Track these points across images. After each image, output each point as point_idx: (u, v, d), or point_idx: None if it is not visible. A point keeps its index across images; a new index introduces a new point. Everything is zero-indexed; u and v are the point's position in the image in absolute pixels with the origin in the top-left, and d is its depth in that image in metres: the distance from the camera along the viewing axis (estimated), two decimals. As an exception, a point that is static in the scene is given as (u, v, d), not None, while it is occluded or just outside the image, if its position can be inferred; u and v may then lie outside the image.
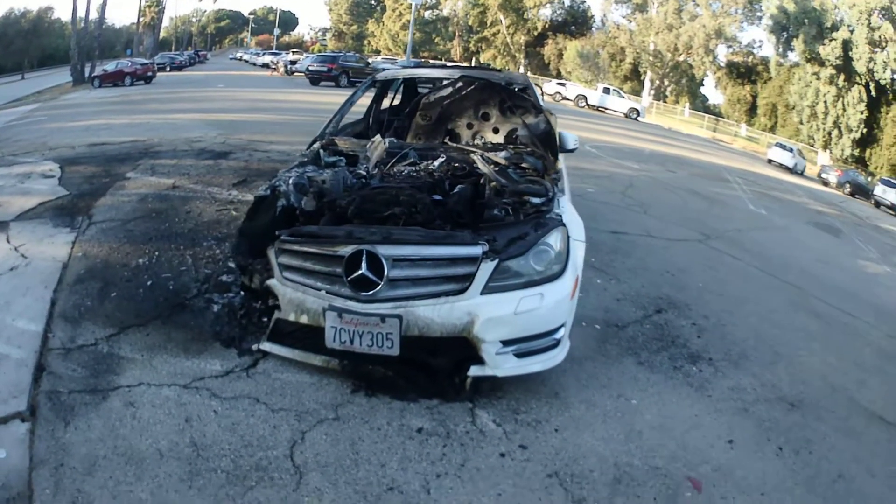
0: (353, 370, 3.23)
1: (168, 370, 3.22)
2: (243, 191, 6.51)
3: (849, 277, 8.40)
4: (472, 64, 51.48)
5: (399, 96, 6.06)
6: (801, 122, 39.84)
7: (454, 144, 4.70)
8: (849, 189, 27.20)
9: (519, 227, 3.32)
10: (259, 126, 11.55)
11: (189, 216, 5.59)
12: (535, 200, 3.61)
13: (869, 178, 31.52)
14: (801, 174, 29.30)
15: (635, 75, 50.17)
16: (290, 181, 3.83)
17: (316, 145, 4.60)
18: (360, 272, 3.06)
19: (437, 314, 3.05)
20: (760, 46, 50.91)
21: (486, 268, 3.06)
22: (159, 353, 3.37)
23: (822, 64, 36.54)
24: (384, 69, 5.65)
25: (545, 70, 51.49)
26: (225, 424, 2.86)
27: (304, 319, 3.20)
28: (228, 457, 2.66)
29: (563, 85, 39.95)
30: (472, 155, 4.36)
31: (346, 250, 3.09)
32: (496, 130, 4.83)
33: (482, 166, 4.09)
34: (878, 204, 25.77)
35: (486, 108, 4.79)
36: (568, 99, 37.58)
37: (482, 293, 3.06)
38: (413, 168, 4.16)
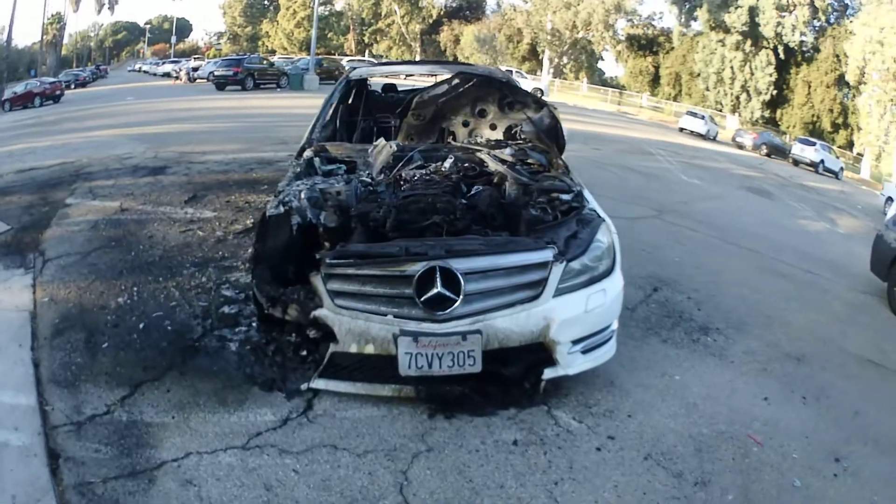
0: (429, 395, 2.82)
1: (214, 431, 2.59)
2: (199, 207, 5.59)
3: (795, 237, 8.64)
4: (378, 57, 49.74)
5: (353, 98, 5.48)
6: (708, 89, 38.81)
7: (458, 144, 4.32)
8: (765, 150, 26.47)
9: (566, 226, 3.07)
10: (184, 137, 10.12)
11: (153, 242, 4.67)
12: (565, 197, 3.38)
13: (784, 138, 31.18)
14: (714, 140, 28.62)
15: (533, 55, 48.82)
16: (303, 196, 3.26)
17: (307, 153, 3.97)
18: (435, 291, 2.65)
19: (515, 323, 2.75)
20: (661, 18, 50.20)
21: (557, 271, 2.81)
22: (193, 411, 2.71)
23: (727, 31, 35.72)
24: (354, 69, 5.03)
25: (441, 56, 50.49)
26: (314, 483, 2.35)
27: (369, 349, 2.73)
28: (339, 521, 2.18)
29: (464, 72, 38.99)
30: (479, 154, 4.02)
31: (416, 269, 2.66)
32: (493, 127, 4.51)
33: (495, 165, 3.78)
34: (796, 162, 25.27)
35: (483, 104, 4.44)
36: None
37: (554, 296, 2.81)
38: (424, 172, 3.73)
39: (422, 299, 2.66)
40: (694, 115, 29.69)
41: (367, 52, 53.97)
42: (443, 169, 3.77)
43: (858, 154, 34.08)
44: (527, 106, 4.22)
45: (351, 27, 56.78)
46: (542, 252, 2.81)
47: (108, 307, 3.56)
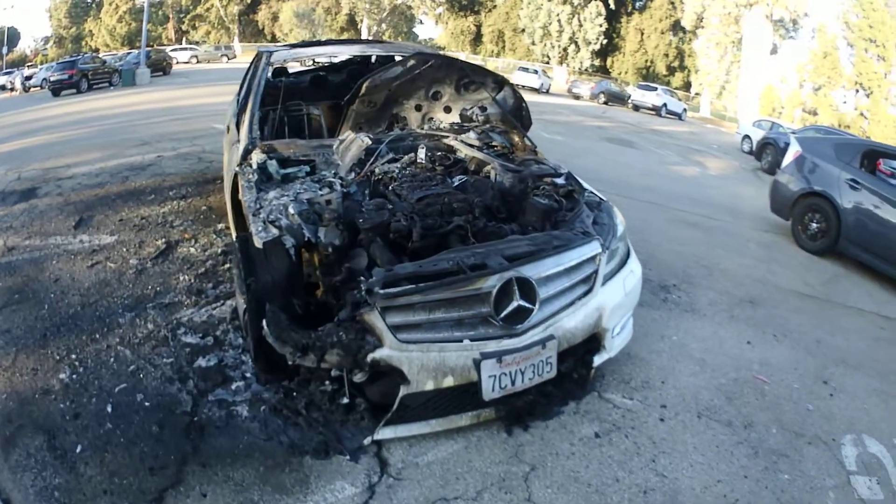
0: (507, 412, 2.40)
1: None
2: (92, 232, 4.10)
3: (678, 184, 8.39)
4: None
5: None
6: (534, 43, 36.82)
7: (420, 131, 3.67)
8: (604, 99, 25.51)
9: (584, 213, 2.80)
10: (41, 151, 7.41)
11: (63, 286, 3.30)
12: (560, 181, 3.10)
13: (619, 86, 30.02)
14: (548, 93, 27.43)
15: (352, 25, 45.06)
16: (291, 211, 2.48)
17: (255, 156, 3.03)
18: (515, 304, 2.22)
19: (578, 320, 2.45)
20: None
21: (604, 260, 2.56)
22: (250, 509, 1.93)
23: (554, -13, 33.21)
24: (271, 52, 3.93)
25: (260, 36, 44.75)
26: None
27: (448, 383, 2.19)
28: None
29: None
30: (445, 141, 3.48)
31: (492, 283, 2.18)
32: (448, 110, 3.89)
33: (468, 151, 3.31)
34: (636, 108, 24.40)
35: (439, 86, 3.79)
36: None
37: (602, 285, 2.56)
38: (401, 166, 3.11)
39: (501, 315, 2.20)
40: (526, 70, 28.48)
41: (184, 39, 46.64)
42: (420, 161, 3.18)
43: (696, 94, 34.18)
44: (485, 86, 3.75)
45: (170, 16, 48.69)
46: (592, 244, 2.52)
47: (53, 389, 2.41)
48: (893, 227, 4.50)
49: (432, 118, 3.92)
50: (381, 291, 2.10)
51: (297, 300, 2.34)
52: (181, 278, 3.45)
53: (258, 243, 2.29)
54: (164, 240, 3.97)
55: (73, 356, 2.64)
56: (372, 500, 2.02)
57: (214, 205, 4.67)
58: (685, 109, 26.66)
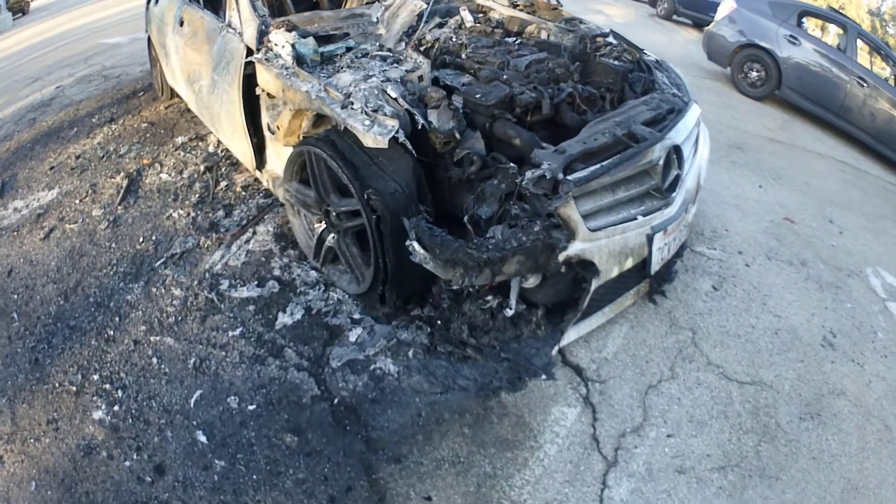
0: (654, 283, 1.81)
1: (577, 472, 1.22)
2: (27, 194, 2.42)
3: None
4: None
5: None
6: None
7: None
8: None
9: (653, 73, 1.99)
10: None
11: (22, 277, 1.89)
12: (611, 40, 2.17)
13: None
14: None
15: None
16: (394, 96, 1.45)
17: (278, 38, 1.68)
18: (675, 173, 1.60)
19: (692, 181, 1.81)
20: None
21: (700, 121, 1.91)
22: (495, 482, 1.22)
23: None
24: None
25: None
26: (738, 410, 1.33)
27: (629, 264, 1.55)
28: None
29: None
30: (479, 1, 2.29)
31: (657, 154, 1.50)
32: None
33: (507, 12, 2.21)
34: None
35: None
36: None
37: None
38: (451, 30, 1.98)
39: (666, 186, 1.54)
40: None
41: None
42: (468, 24, 2.07)
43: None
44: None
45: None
46: (693, 105, 1.82)
47: (96, 441, 1.32)
48: (830, 81, 4.27)
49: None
50: (572, 178, 1.30)
51: (425, 207, 1.41)
52: (174, 215, 2.14)
53: (377, 141, 1.33)
54: (121, 174, 2.44)
55: (96, 376, 1.48)
56: (597, 413, 1.43)
57: (154, 118, 2.98)
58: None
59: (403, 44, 1.86)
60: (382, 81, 1.48)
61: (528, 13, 2.27)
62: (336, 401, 1.40)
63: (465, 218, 1.39)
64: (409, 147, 1.38)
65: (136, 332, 1.62)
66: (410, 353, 1.50)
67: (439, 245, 1.28)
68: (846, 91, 4.18)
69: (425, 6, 1.90)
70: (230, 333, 1.58)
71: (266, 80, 1.71)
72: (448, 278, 1.32)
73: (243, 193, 2.24)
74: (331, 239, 1.65)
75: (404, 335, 1.54)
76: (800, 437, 1.52)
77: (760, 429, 1.52)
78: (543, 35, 2.12)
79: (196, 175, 2.39)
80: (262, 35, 1.75)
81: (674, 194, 1.57)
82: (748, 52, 4.70)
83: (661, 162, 1.49)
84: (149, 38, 2.98)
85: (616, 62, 1.90)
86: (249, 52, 1.80)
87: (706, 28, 5.29)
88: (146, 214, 2.17)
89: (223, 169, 2.43)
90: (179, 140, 2.69)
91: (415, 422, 1.36)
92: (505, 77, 1.62)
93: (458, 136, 1.45)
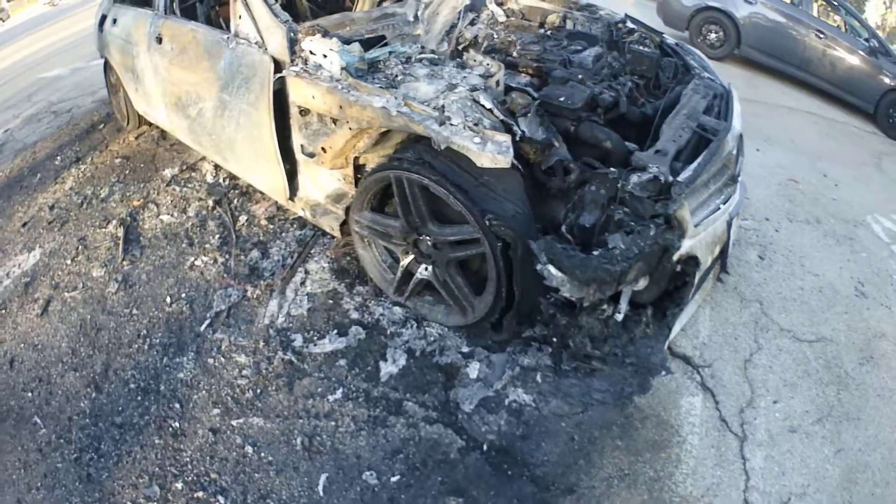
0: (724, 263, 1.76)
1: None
2: (1, 259, 1.70)
3: None
4: None
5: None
6: None
7: None
8: None
9: (689, 60, 1.87)
10: None
11: (28, 367, 1.35)
12: (630, 24, 2.02)
13: None
14: None
15: None
16: (489, 107, 1.20)
17: (314, 45, 1.30)
18: (741, 158, 1.53)
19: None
20: None
21: None
22: (663, 485, 1.08)
23: None
24: None
25: None
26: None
27: (716, 251, 1.43)
28: None
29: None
30: None
31: (731, 145, 1.40)
32: None
33: (529, 2, 1.97)
34: None
35: None
36: None
37: None
38: (486, 26, 1.71)
39: (736, 173, 1.46)
40: None
41: None
42: (500, 18, 1.81)
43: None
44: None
45: None
46: (731, 89, 1.69)
47: None
48: (790, 35, 4.15)
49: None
50: (682, 179, 1.20)
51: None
52: (198, 264, 1.71)
53: (496, 161, 1.09)
54: (112, 222, 1.90)
55: (179, 484, 1.11)
56: (716, 395, 1.37)
57: (126, 152, 2.38)
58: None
59: (445, 44, 1.57)
60: (470, 90, 1.20)
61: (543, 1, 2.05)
62: (486, 447, 1.16)
63: (563, 227, 1.21)
64: (517, 162, 1.14)
65: (210, 419, 1.25)
66: (538, 378, 1.29)
67: (579, 266, 1.09)
68: (805, 44, 4.09)
69: (467, 2, 1.60)
70: (330, 398, 1.26)
71: (309, 96, 1.35)
72: (581, 297, 1.14)
73: (271, 227, 1.84)
74: (423, 271, 1.36)
75: (525, 360, 1.32)
76: (864, 379, 1.55)
77: (835, 379, 1.52)
78: (569, 24, 1.92)
79: (205, 211, 1.93)
80: (293, 43, 1.37)
81: (741, 178, 1.49)
82: (706, 15, 4.49)
83: (735, 151, 1.39)
84: (105, 63, 2.35)
85: (646, 49, 1.76)
86: (275, 64, 1.41)
87: None
88: (161, 267, 1.71)
89: (235, 201, 1.99)
90: (168, 173, 2.17)
91: (571, 447, 1.18)
92: (580, 77, 1.40)
93: (556, 144, 1.23)
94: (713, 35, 4.63)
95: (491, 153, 1.06)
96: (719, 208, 1.36)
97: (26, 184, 2.27)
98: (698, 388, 1.39)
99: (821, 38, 4.07)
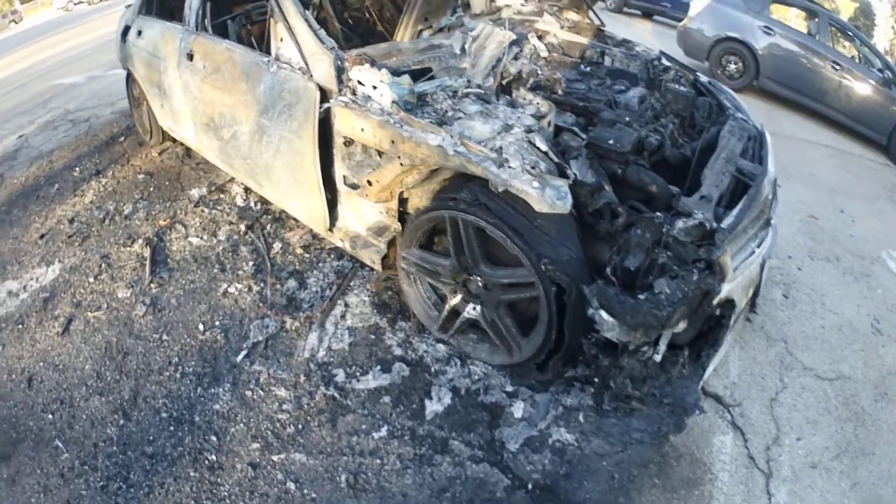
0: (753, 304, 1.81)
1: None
2: (18, 272, 1.70)
3: None
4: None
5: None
6: None
7: (507, 16, 2.04)
8: None
9: (726, 102, 1.94)
10: None
11: (49, 389, 1.30)
12: (665, 62, 2.08)
13: None
14: None
15: None
16: (544, 149, 1.21)
17: (363, 75, 1.32)
18: (775, 202, 1.60)
19: None
20: None
21: None
22: None
23: None
24: None
25: None
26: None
27: (750, 293, 1.48)
28: None
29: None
30: (535, 25, 2.07)
31: (767, 190, 1.47)
32: None
33: (568, 36, 2.05)
34: None
35: None
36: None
37: None
38: (529, 60, 1.76)
39: (770, 217, 1.52)
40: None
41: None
42: (542, 53, 1.87)
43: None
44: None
45: None
46: (761, 128, 1.78)
47: None
48: (806, 67, 4.15)
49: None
50: (726, 226, 1.24)
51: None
52: (231, 291, 1.69)
53: (555, 207, 1.10)
54: (138, 241, 1.87)
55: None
56: (745, 434, 1.42)
57: (149, 168, 2.36)
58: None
59: (490, 78, 1.60)
60: (525, 132, 1.24)
61: (573, 32, 2.11)
62: (530, 486, 1.17)
63: (608, 270, 1.24)
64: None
65: (249, 453, 1.22)
66: (581, 418, 1.30)
67: (630, 311, 1.11)
68: (822, 75, 4.10)
69: (514, 36, 1.64)
70: (375, 435, 1.25)
71: (358, 128, 1.36)
72: (628, 340, 1.16)
73: (307, 256, 1.83)
74: (471, 311, 1.37)
75: (568, 400, 1.34)
76: (879, 415, 1.60)
77: (853, 416, 1.58)
78: (607, 61, 1.98)
79: (237, 236, 1.92)
80: (340, 71, 1.38)
81: (774, 222, 1.55)
82: (725, 45, 4.51)
83: (770, 196, 1.45)
84: (128, 75, 2.34)
85: (682, 88, 1.82)
86: (321, 92, 1.42)
87: (680, 24, 5.06)
88: (192, 292, 1.68)
89: (267, 226, 1.97)
90: (195, 193, 2.15)
91: (611, 486, 1.20)
92: (627, 119, 1.45)
93: (607, 188, 1.27)
94: (732, 66, 4.60)
95: (550, 199, 1.09)
96: (754, 252, 1.40)
97: (43, 194, 2.23)
98: (729, 426, 1.44)
99: (837, 69, 4.05)
